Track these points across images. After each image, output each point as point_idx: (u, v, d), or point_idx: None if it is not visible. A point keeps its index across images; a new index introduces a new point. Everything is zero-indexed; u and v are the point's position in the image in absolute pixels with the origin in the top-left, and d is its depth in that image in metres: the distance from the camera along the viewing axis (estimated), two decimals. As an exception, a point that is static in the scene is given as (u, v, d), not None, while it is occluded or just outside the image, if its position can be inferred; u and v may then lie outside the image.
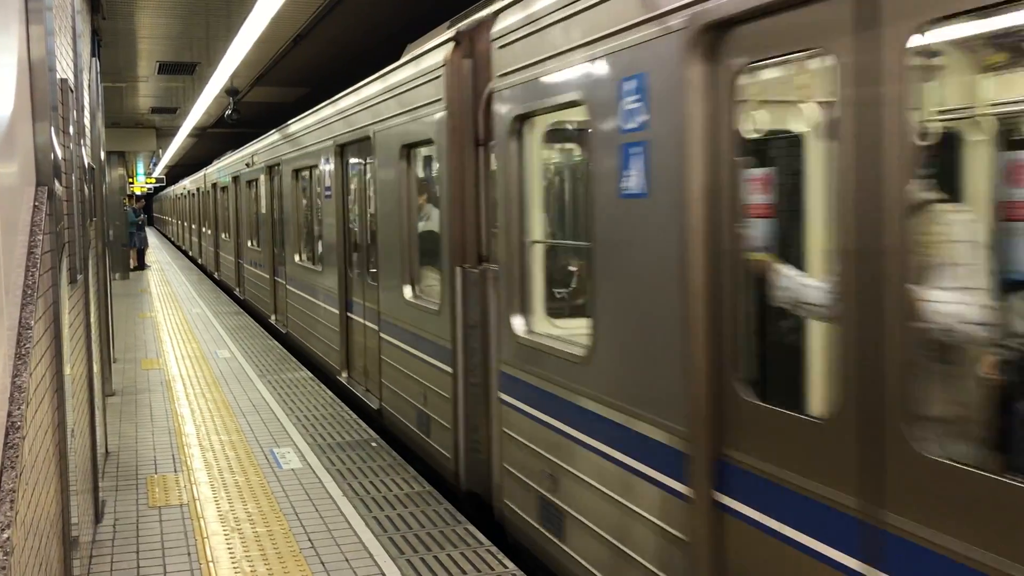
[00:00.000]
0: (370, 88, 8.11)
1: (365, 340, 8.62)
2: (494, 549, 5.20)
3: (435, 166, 6.74)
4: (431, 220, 7.13)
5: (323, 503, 5.99)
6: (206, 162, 28.17)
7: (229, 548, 5.26)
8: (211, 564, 5.04)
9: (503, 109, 5.20)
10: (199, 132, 24.98)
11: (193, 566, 5.02)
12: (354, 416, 8.36)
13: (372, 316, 8.21)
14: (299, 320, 11.93)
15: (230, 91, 15.76)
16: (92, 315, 6.08)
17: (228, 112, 16.33)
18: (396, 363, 7.45)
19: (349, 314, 9.28)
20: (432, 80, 6.22)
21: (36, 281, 3.04)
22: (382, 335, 7.82)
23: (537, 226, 5.14)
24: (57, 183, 3.75)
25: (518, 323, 5.15)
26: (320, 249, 10.85)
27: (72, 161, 4.75)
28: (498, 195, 5.36)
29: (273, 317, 13.99)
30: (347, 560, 5.07)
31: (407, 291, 7.08)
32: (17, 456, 2.39)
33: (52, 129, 3.63)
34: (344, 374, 9.44)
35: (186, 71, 14.87)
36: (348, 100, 8.96)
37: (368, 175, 8.52)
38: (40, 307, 3.19)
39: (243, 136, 19.40)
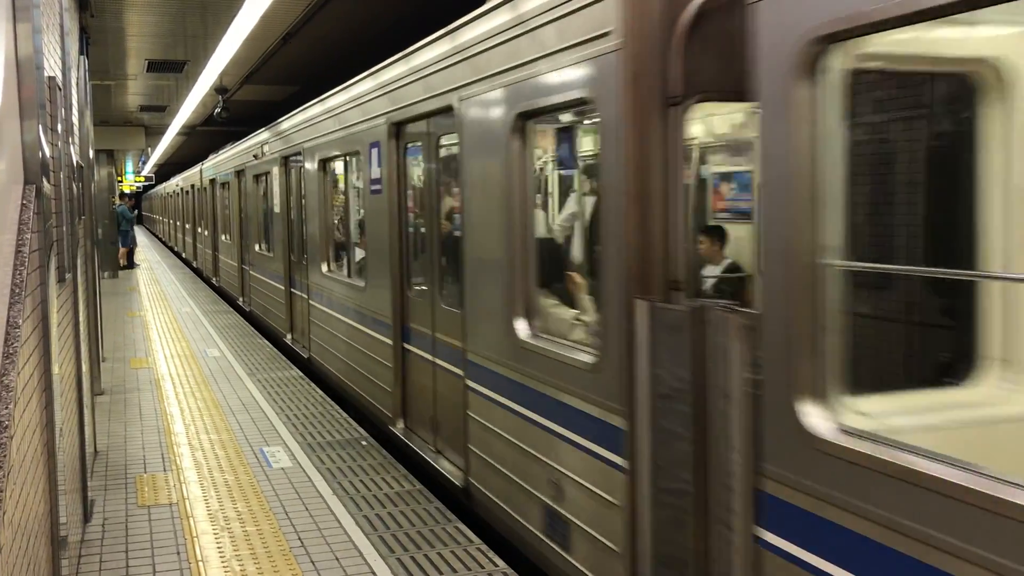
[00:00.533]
0: (453, 39, 5.84)
1: (435, 384, 6.56)
2: (484, 547, 5.20)
3: (578, 142, 5.13)
4: (560, 221, 5.50)
5: (313, 502, 5.99)
6: (195, 160, 28.03)
7: (219, 547, 5.25)
8: (200, 563, 5.03)
9: (783, 28, 3.01)
10: (188, 130, 24.90)
11: (182, 565, 5.01)
12: (344, 415, 8.35)
13: (451, 355, 6.15)
14: (328, 345, 9.69)
15: (219, 89, 15.72)
16: (81, 314, 6.07)
17: (218, 110, 16.29)
18: (499, 428, 5.30)
19: (407, 346, 7.18)
20: (589, 5, 4.13)
21: (24, 280, 3.03)
22: (470, 383, 5.70)
23: (845, 237, 3.02)
24: (45, 181, 3.74)
25: (818, 417, 2.93)
26: (360, 257, 8.62)
27: (60, 159, 4.74)
28: (759, 184, 3.21)
29: (289, 337, 11.99)
30: (337, 559, 5.07)
31: (520, 327, 4.99)
32: (4, 456, 2.39)
33: (40, 127, 3.62)
34: (400, 424, 7.31)
35: (175, 69, 14.82)
36: (415, 60, 6.58)
37: (443, 160, 6.48)
38: (28, 306, 3.18)
39: (232, 134, 19.33)
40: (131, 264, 26.01)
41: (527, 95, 4.78)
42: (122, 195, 30.81)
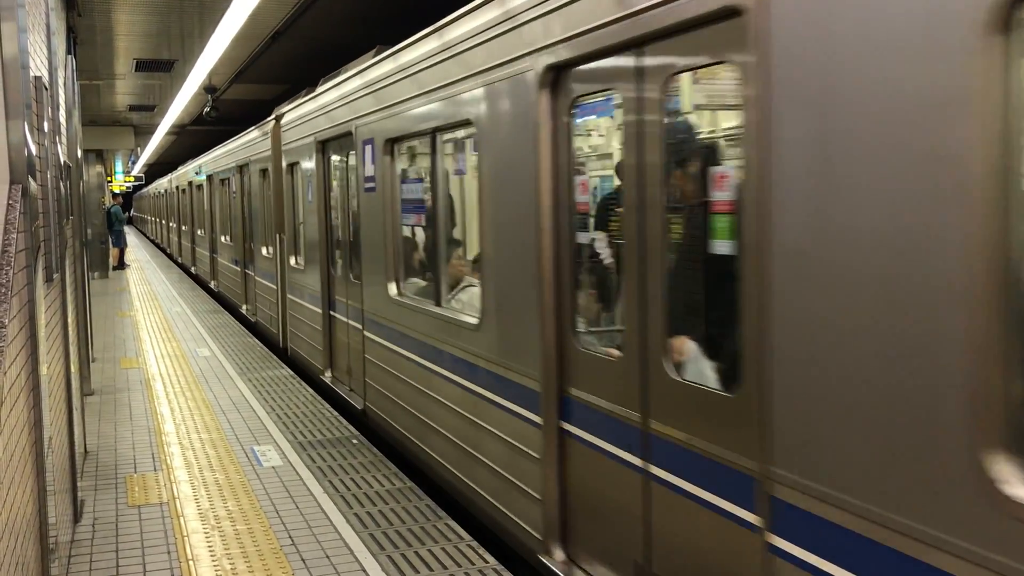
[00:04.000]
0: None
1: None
2: (475, 544, 5.21)
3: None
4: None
5: (304, 500, 5.99)
6: (185, 160, 27.91)
7: (209, 546, 5.25)
8: (191, 562, 5.03)
9: None
10: (178, 130, 24.83)
11: (173, 564, 5.01)
12: (334, 413, 8.35)
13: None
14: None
15: (208, 88, 15.68)
16: (70, 314, 6.06)
17: (207, 109, 16.25)
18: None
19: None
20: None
21: (10, 280, 3.03)
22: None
23: None
24: (31, 181, 3.73)
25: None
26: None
27: (47, 159, 4.73)
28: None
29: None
30: (328, 557, 5.07)
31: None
32: (-9, 455, 2.39)
33: (25, 127, 3.62)
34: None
35: (164, 68, 14.78)
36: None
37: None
38: (14, 306, 3.18)
39: (222, 134, 19.27)
40: (121, 265, 25.95)
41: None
42: (113, 195, 30.72)
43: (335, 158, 8.85)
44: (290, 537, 5.35)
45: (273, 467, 6.72)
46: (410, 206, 6.90)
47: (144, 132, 26.28)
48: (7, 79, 3.52)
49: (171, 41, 12.70)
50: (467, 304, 5.96)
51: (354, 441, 7.40)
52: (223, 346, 12.23)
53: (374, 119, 7.16)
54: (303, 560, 5.02)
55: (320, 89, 9.26)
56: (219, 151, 17.83)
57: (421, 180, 6.87)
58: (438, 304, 6.20)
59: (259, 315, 13.64)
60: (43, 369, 3.85)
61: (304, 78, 14.17)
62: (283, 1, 10.09)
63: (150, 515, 5.79)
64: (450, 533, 5.38)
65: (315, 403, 8.80)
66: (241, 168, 14.58)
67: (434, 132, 6.02)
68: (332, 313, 9.11)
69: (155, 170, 44.24)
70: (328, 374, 9.28)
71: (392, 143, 6.90)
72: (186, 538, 5.38)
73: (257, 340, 12.52)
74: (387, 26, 10.61)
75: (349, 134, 7.91)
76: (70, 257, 6.57)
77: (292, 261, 10.94)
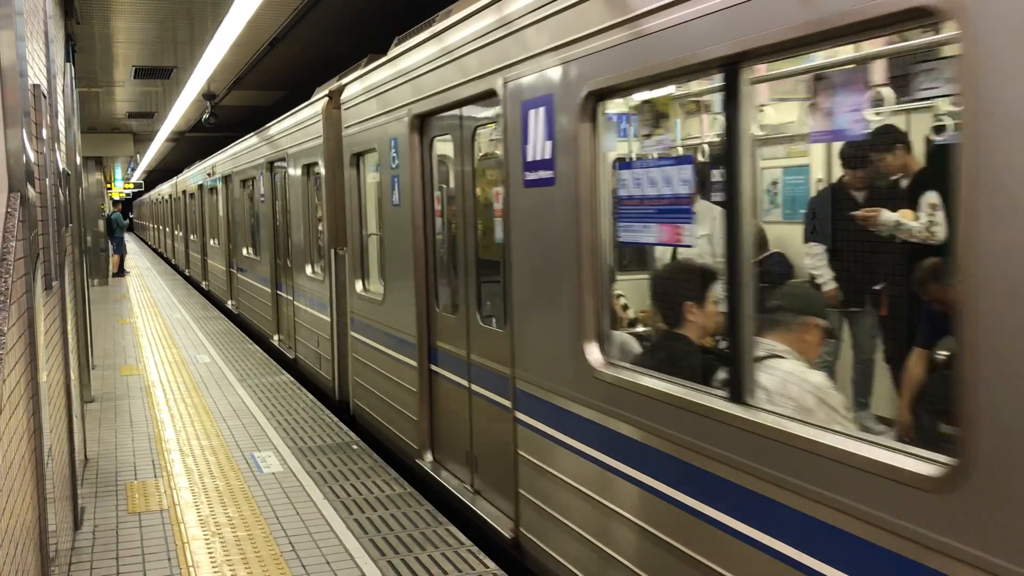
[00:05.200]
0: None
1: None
2: (475, 549, 5.21)
3: None
4: None
5: (304, 506, 5.99)
6: (186, 166, 27.86)
7: (210, 553, 5.25)
8: (191, 569, 5.03)
9: None
10: (177, 136, 24.87)
11: (173, 571, 5.01)
12: (335, 419, 8.35)
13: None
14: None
15: (207, 95, 15.71)
16: (69, 321, 6.06)
17: (206, 116, 16.27)
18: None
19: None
20: None
21: (9, 287, 3.04)
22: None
23: None
24: (30, 189, 3.74)
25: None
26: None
27: (46, 167, 4.74)
28: None
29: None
30: (328, 563, 5.07)
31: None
32: (-10, 462, 2.39)
33: (24, 134, 3.63)
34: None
35: (162, 75, 14.81)
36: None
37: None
38: (13, 313, 3.18)
39: (222, 140, 19.27)
40: (121, 272, 25.96)
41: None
42: (113, 202, 30.84)
43: (444, 139, 6.10)
44: (290, 543, 5.35)
45: (273, 473, 6.72)
46: (645, 209, 3.93)
47: (143, 139, 26.31)
48: (5, 87, 3.53)
49: (170, 48, 12.73)
50: (783, 397, 3.40)
51: (354, 447, 7.40)
52: (223, 352, 12.23)
53: (554, 62, 4.23)
54: (303, 566, 5.02)
55: (403, 47, 6.62)
56: (239, 146, 15.07)
57: (681, 160, 4.13)
58: (738, 400, 3.23)
59: (299, 351, 11.00)
60: (42, 376, 3.86)
61: (303, 84, 14.21)
62: (281, 8, 10.11)
63: (150, 522, 5.79)
64: (450, 538, 5.38)
65: (315, 409, 8.79)
66: (272, 165, 12.12)
67: (733, 64, 3.14)
68: (434, 368, 6.31)
69: (154, 176, 44.32)
70: (428, 457, 6.47)
71: (597, 100, 4.00)
72: (186, 545, 5.38)
73: (294, 380, 10.32)
74: (384, 31, 10.63)
75: (489, 96, 5.02)
76: (69, 264, 6.58)
77: (359, 287, 8.07)
